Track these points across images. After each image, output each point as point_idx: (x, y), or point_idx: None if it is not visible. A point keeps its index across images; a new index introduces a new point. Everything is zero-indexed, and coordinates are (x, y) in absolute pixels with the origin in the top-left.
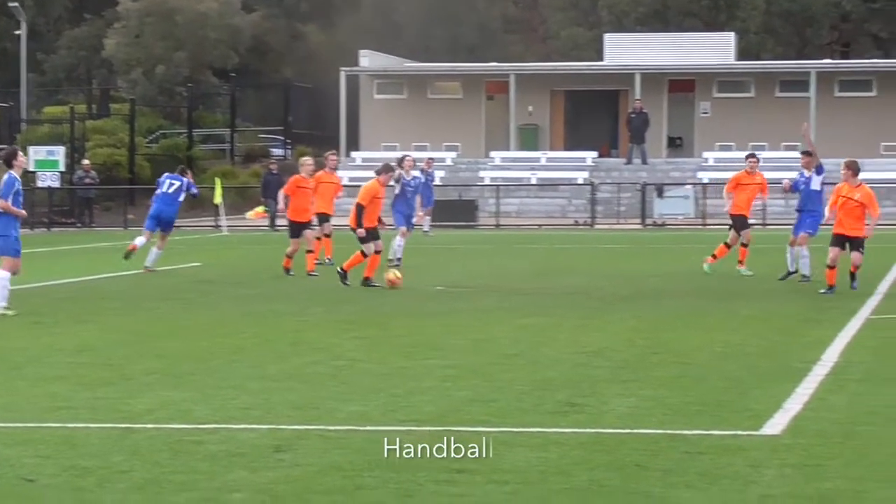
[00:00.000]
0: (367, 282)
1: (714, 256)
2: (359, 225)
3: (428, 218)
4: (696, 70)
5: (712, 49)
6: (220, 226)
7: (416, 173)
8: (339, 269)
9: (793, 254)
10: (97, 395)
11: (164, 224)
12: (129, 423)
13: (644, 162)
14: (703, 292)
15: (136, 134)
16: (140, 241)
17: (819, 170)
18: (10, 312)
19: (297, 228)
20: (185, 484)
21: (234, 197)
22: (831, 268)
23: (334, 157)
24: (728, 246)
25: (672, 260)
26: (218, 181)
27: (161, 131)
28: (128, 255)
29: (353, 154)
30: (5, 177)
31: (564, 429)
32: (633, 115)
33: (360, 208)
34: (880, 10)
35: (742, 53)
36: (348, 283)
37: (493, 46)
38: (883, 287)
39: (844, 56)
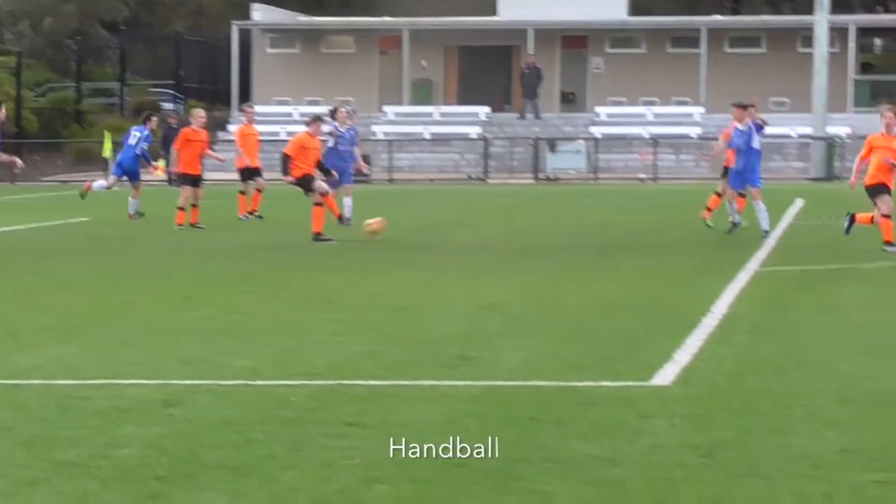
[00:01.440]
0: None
1: (708, 209)
2: (285, 173)
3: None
4: (588, 26)
5: (605, 5)
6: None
7: (351, 123)
8: (313, 237)
9: (733, 206)
10: None
11: (128, 174)
12: (15, 380)
13: (537, 117)
14: (594, 246)
15: (23, 87)
16: (99, 183)
17: (759, 128)
18: None
19: (188, 180)
20: (74, 440)
21: None
22: (888, 216)
23: (251, 109)
24: (719, 195)
25: (564, 214)
26: (107, 135)
27: (49, 85)
28: (83, 195)
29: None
30: None
31: (457, 381)
32: (526, 71)
33: (285, 157)
34: None
35: (634, 10)
36: (333, 239)
37: (387, 2)
38: (770, 241)
39: (735, 13)
